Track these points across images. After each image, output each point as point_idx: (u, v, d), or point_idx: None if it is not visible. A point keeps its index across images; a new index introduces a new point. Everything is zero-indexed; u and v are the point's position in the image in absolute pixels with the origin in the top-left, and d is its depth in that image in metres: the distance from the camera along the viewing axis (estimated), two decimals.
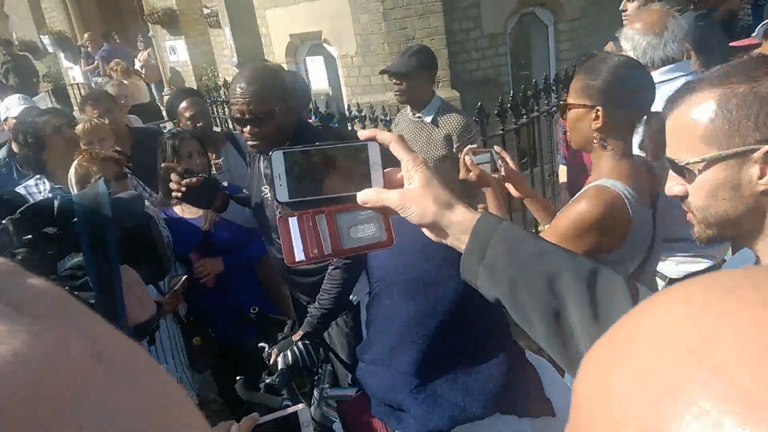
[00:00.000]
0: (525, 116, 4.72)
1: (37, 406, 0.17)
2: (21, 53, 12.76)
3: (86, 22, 12.99)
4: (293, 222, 0.82)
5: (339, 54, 6.60)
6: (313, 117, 4.97)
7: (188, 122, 3.34)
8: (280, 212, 0.82)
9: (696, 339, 0.26)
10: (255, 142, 2.26)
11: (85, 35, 11.84)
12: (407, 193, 0.82)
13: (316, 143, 0.85)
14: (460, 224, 0.84)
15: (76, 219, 1.04)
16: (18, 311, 0.18)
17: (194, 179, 2.19)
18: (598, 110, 1.67)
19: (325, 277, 2.28)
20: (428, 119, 3.34)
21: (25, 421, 0.16)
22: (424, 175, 0.82)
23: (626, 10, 3.67)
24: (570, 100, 1.77)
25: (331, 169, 0.83)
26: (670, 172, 1.14)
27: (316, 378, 2.14)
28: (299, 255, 0.82)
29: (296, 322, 2.34)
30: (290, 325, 2.30)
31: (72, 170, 2.65)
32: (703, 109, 1.04)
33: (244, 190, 2.67)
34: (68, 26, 13.14)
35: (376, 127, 4.40)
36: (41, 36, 13.51)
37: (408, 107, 3.48)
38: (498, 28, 6.41)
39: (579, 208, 1.63)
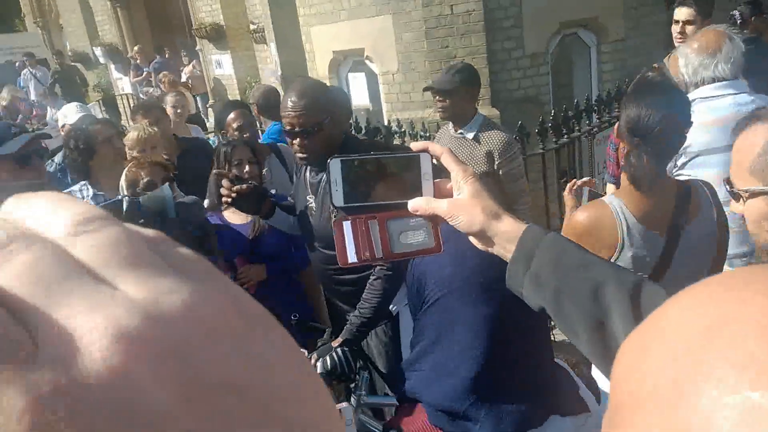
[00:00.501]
0: (566, 136, 4.72)
1: (208, 347, 0.20)
2: (71, 64, 13.27)
3: (136, 36, 13.45)
4: (347, 225, 0.86)
5: (380, 71, 6.70)
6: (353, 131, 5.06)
7: (235, 133, 3.45)
8: (335, 216, 0.88)
9: (717, 318, 0.30)
10: (304, 155, 2.34)
11: (135, 48, 12.26)
12: (457, 202, 0.86)
13: (372, 153, 0.90)
14: (506, 233, 0.86)
15: (142, 220, 1.11)
16: (176, 271, 0.22)
17: (244, 186, 2.28)
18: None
19: (366, 287, 2.32)
20: (470, 136, 3.38)
21: (201, 358, 0.20)
22: (474, 186, 0.86)
23: (679, 30, 3.67)
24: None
25: (384, 177, 0.88)
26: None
27: (353, 385, 2.17)
28: (351, 257, 0.87)
29: (334, 330, 2.39)
30: (329, 332, 2.34)
31: (123, 176, 2.77)
32: (755, 141, 1.08)
33: (289, 198, 2.74)
34: (119, 39, 13.62)
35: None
36: (93, 47, 14.03)
37: (450, 124, 3.53)
38: (540, 48, 6.43)
39: (573, 215, 1.72)
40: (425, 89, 3.63)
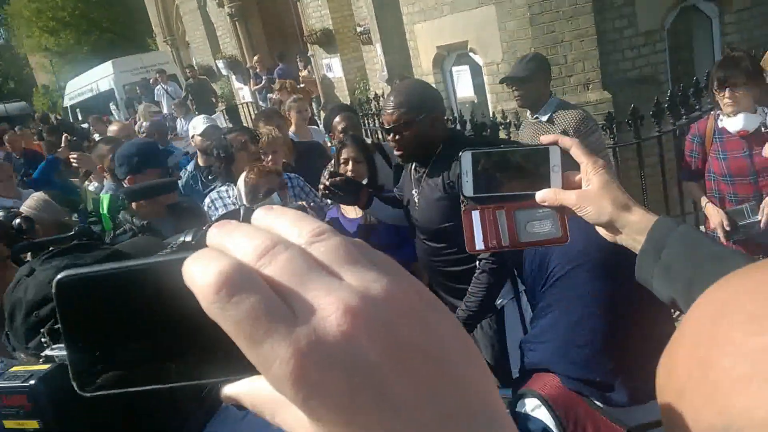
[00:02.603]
0: (684, 116, 4.43)
1: (402, 319, 0.29)
2: (201, 77, 14.28)
3: (254, 47, 14.24)
4: (476, 215, 0.91)
5: (484, 62, 6.64)
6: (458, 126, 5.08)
7: (340, 134, 3.60)
8: (464, 205, 0.95)
9: (721, 302, 0.37)
10: (399, 152, 2.50)
11: (255, 57, 12.98)
12: (585, 193, 0.88)
13: (501, 145, 0.94)
14: (636, 224, 0.87)
15: None
16: (377, 267, 0.31)
17: (337, 178, 2.46)
18: None
19: (472, 281, 2.36)
20: (544, 119, 3.50)
21: (398, 327, 0.29)
22: (603, 178, 0.87)
23: None
24: None
25: (513, 169, 0.92)
26: None
27: None
28: (479, 244, 0.92)
29: None
30: None
31: (241, 182, 3.00)
32: None
33: (395, 191, 2.90)
34: (239, 51, 14.50)
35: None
36: (216, 60, 15.03)
37: (528, 111, 3.66)
38: (654, 25, 6.06)
39: None
40: (501, 81, 3.77)
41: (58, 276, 0.35)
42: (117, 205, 2.54)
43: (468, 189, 0.91)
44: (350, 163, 3.07)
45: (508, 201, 0.90)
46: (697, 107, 4.50)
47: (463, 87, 6.93)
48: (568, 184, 0.89)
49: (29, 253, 2.17)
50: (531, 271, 1.57)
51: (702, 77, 4.50)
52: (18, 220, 2.20)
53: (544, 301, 1.55)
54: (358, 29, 10.03)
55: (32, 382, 0.71)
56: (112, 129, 5.69)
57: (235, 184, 3.24)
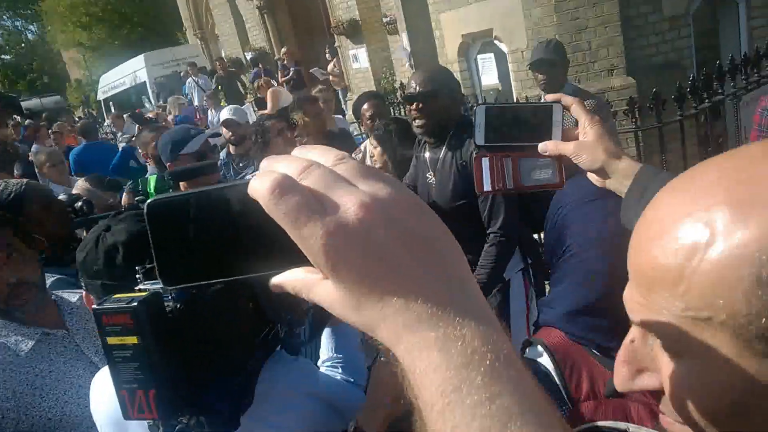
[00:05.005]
0: (707, 100, 4.47)
1: (402, 213, 0.43)
2: (230, 69, 14.55)
3: (282, 39, 14.45)
4: (485, 161, 1.05)
5: (509, 49, 6.73)
6: None
7: (368, 121, 3.77)
8: (476, 153, 1.10)
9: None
10: (421, 121, 2.63)
11: (283, 49, 13.17)
12: (582, 144, 1.00)
13: (510, 101, 1.09)
14: (624, 170, 0.98)
15: None
16: (383, 179, 0.45)
17: None
18: None
19: (482, 254, 2.50)
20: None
21: (401, 218, 0.43)
22: (598, 131, 1.00)
23: None
24: None
25: (520, 123, 1.05)
26: None
27: None
28: (486, 186, 1.05)
29: None
30: None
31: None
32: None
33: (405, 180, 2.99)
34: (267, 43, 14.72)
35: None
36: (245, 53, 15.28)
37: (544, 96, 3.80)
38: (679, 10, 6.08)
39: None
40: (530, 66, 3.85)
41: (148, 201, 0.51)
42: (163, 185, 2.73)
43: (480, 138, 1.04)
44: (376, 155, 3.23)
45: (514, 150, 1.04)
46: (720, 91, 4.53)
47: (488, 75, 7.03)
48: (567, 137, 1.01)
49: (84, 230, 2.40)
50: (549, 241, 1.70)
51: (726, 62, 4.53)
52: (80, 203, 2.43)
53: (559, 272, 1.68)
54: (384, 19, 10.14)
55: (134, 304, 0.89)
56: (149, 116, 5.99)
57: None
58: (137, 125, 7.80)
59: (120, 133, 11.03)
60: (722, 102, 4.59)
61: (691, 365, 0.49)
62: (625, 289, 0.56)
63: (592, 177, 1.01)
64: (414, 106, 2.62)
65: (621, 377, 0.56)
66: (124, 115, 11.91)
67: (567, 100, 1.02)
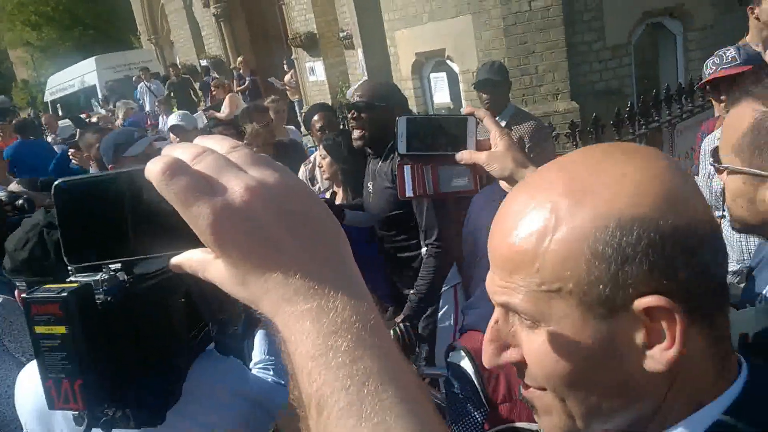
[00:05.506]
0: (644, 126, 4.69)
1: (290, 195, 0.48)
2: (184, 76, 14.38)
3: (238, 48, 14.39)
4: (407, 169, 1.13)
5: (461, 69, 6.91)
6: None
7: (318, 132, 3.81)
8: (399, 161, 1.18)
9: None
10: (359, 132, 2.67)
11: (239, 58, 13.12)
12: (493, 154, 1.08)
13: (429, 114, 1.16)
14: None
15: None
16: (271, 166, 0.50)
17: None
18: None
19: (422, 266, 2.57)
20: (502, 124, 3.71)
21: (283, 200, 0.48)
22: (507, 142, 1.08)
23: (755, 13, 3.62)
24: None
25: (439, 133, 1.12)
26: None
27: (413, 356, 2.44)
28: (408, 192, 1.13)
29: (395, 310, 2.67)
30: (392, 310, 2.63)
31: None
32: (742, 121, 1.10)
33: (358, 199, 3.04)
34: (223, 51, 14.63)
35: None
36: (200, 60, 15.14)
37: None
38: (621, 40, 6.39)
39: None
40: (475, 85, 3.92)
41: (56, 182, 0.55)
42: None
43: (402, 147, 1.12)
44: (325, 165, 3.26)
45: (434, 159, 1.12)
46: (657, 119, 4.77)
47: (440, 93, 7.20)
48: (481, 148, 1.09)
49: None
50: (465, 246, 1.79)
51: (663, 91, 4.77)
52: (20, 201, 2.40)
53: (477, 274, 1.76)
54: (341, 34, 10.25)
55: (64, 294, 0.91)
56: (95, 120, 5.88)
57: None
58: (77, 128, 7.69)
59: (54, 135, 10.76)
60: (659, 129, 4.81)
61: (546, 333, 0.58)
62: (487, 277, 0.64)
63: (503, 184, 1.09)
64: (352, 115, 2.66)
65: (488, 355, 0.63)
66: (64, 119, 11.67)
67: (479, 113, 1.10)
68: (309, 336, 0.45)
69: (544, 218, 0.57)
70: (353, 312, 0.45)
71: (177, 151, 0.49)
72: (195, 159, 0.48)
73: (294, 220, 0.47)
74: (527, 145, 3.56)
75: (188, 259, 0.51)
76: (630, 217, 0.54)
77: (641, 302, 0.54)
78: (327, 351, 0.44)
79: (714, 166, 1.25)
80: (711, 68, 2.77)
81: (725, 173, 1.18)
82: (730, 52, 2.77)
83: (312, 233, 0.48)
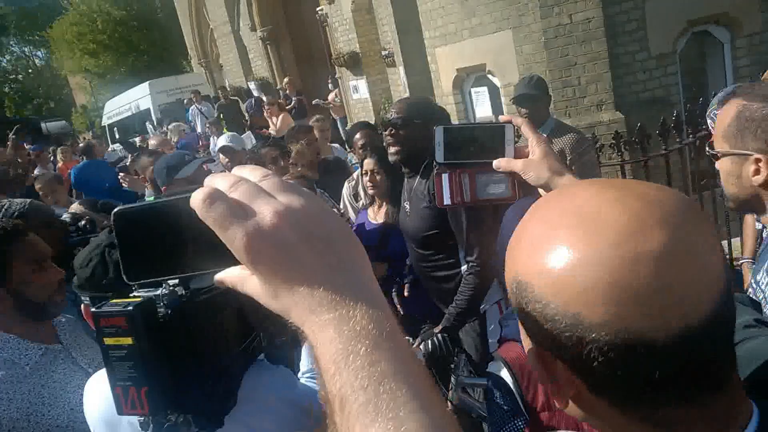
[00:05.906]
0: (691, 135, 4.62)
1: (312, 220, 0.56)
2: (232, 98, 14.82)
3: (285, 69, 14.76)
4: (445, 177, 1.14)
5: (502, 84, 6.94)
6: None
7: (360, 150, 3.91)
8: (437, 170, 1.21)
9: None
10: (394, 148, 2.67)
11: (285, 79, 13.45)
12: (529, 162, 1.07)
13: (467, 122, 1.20)
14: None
15: None
16: (299, 192, 0.57)
17: None
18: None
19: (462, 282, 2.61)
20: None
21: (309, 224, 0.55)
22: (544, 150, 1.07)
23: None
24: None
25: (476, 142, 1.13)
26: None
27: (452, 366, 2.48)
28: (446, 200, 1.14)
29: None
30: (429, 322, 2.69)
31: None
32: (728, 113, 1.36)
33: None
34: (270, 73, 15.03)
35: None
36: (248, 82, 15.58)
37: None
38: (666, 49, 6.31)
39: None
40: (514, 100, 3.93)
41: (114, 210, 0.64)
42: None
43: (440, 156, 1.14)
44: (369, 174, 3.32)
45: (471, 167, 1.12)
46: (704, 127, 4.68)
47: (482, 107, 7.23)
48: (518, 155, 1.10)
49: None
50: (500, 259, 1.82)
51: (711, 99, 4.68)
52: (83, 222, 2.57)
53: None
54: (383, 53, 10.42)
55: (130, 308, 1.02)
56: (152, 143, 6.21)
57: None
58: (129, 153, 8.15)
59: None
60: (706, 137, 4.72)
61: None
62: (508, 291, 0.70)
63: (541, 192, 1.10)
64: (388, 132, 2.66)
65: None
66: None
67: (517, 120, 1.13)
68: (332, 342, 0.51)
69: (560, 250, 0.62)
70: (371, 320, 0.52)
71: (216, 181, 0.57)
72: (231, 188, 0.55)
73: (317, 239, 0.54)
74: (568, 158, 3.56)
75: (230, 276, 0.58)
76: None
77: None
78: (348, 355, 0.50)
79: (709, 152, 1.48)
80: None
81: (721, 160, 1.43)
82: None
83: (333, 251, 0.54)
